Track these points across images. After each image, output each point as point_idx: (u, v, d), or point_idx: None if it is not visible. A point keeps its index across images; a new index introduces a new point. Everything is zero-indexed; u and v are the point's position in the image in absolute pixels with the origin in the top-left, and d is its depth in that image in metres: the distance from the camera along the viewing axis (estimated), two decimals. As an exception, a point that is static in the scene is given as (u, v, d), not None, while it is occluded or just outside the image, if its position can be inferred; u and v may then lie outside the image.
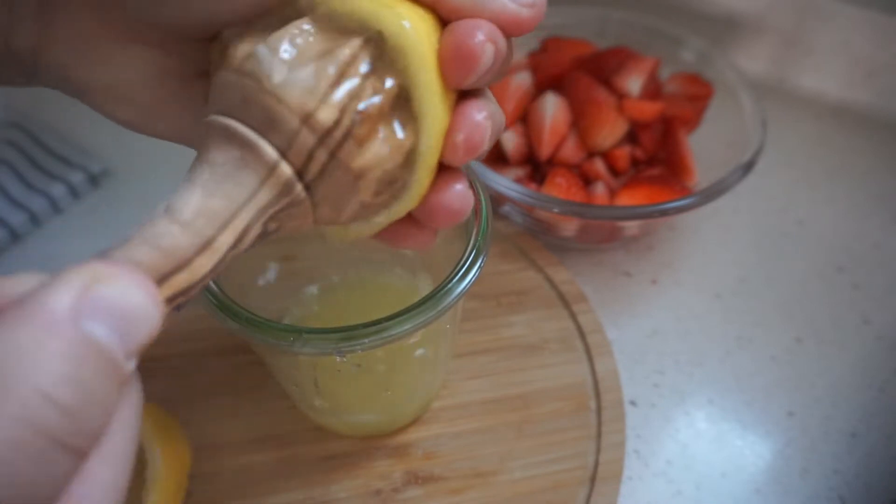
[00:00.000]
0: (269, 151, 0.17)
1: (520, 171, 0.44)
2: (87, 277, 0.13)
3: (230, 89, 0.18)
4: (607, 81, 0.44)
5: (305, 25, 0.18)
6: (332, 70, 0.18)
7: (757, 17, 0.62)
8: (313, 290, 0.38)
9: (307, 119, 0.17)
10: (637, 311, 0.43)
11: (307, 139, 0.18)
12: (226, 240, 0.17)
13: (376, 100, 0.18)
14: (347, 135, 0.18)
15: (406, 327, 0.24)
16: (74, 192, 0.48)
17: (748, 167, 0.40)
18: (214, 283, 0.26)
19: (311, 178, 0.18)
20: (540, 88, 0.45)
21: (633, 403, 0.38)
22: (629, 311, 0.42)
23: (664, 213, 0.38)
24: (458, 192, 0.21)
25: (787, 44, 0.61)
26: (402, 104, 0.19)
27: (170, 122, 0.22)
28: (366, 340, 0.24)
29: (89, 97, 0.21)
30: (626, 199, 0.42)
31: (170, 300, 0.16)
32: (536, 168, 0.45)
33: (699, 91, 0.46)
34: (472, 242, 0.27)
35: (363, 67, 0.18)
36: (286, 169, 0.18)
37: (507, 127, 0.44)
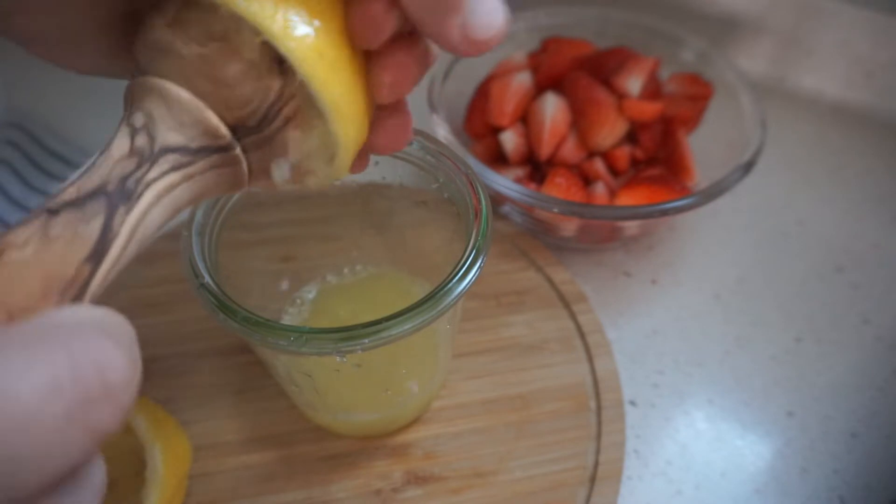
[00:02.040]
0: (224, 132, 0.18)
1: (520, 171, 0.44)
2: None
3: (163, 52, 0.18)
4: (607, 81, 0.44)
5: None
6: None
7: (757, 17, 0.62)
8: (312, 290, 0.38)
9: (257, 99, 0.17)
10: (637, 311, 0.43)
11: (257, 115, 0.18)
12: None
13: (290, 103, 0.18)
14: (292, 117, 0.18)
15: (406, 327, 0.24)
16: (74, 192, 0.48)
17: (748, 167, 0.40)
18: (214, 283, 0.26)
19: (243, 136, 0.18)
20: (540, 88, 0.45)
21: (632, 403, 0.38)
22: (629, 311, 0.42)
23: (664, 213, 0.38)
24: (395, 128, 0.21)
25: (787, 44, 0.61)
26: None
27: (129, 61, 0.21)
28: (366, 340, 0.24)
29: (40, 47, 0.20)
30: (626, 199, 0.42)
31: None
32: (536, 168, 0.45)
33: (699, 91, 0.46)
34: (472, 242, 0.27)
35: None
36: (234, 143, 0.18)
37: (507, 127, 0.44)
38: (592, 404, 0.37)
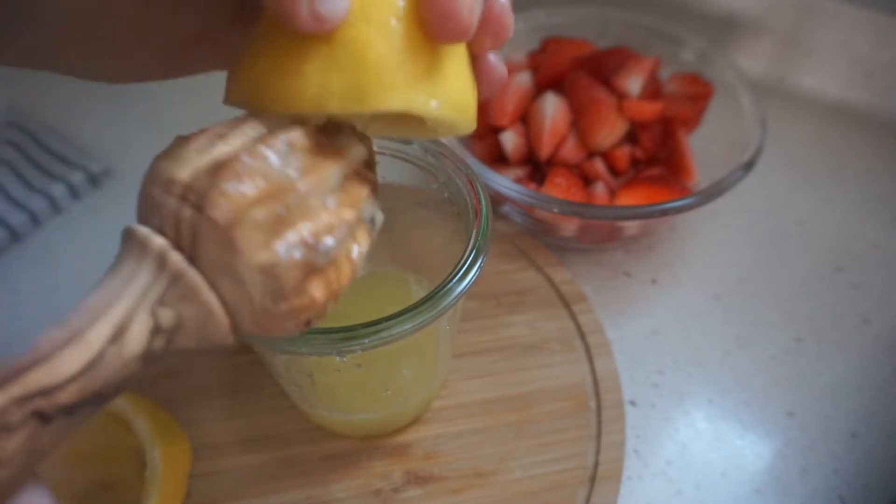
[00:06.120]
0: (141, 231, 0.17)
1: (520, 171, 0.44)
2: None
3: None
4: (607, 81, 0.44)
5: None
6: (196, 139, 0.18)
7: (757, 17, 0.62)
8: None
9: (168, 185, 0.17)
10: (637, 311, 0.43)
11: (170, 202, 0.17)
12: (99, 331, 0.16)
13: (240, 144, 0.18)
14: (210, 185, 0.17)
15: (406, 327, 0.24)
16: (74, 192, 0.48)
17: (748, 167, 0.40)
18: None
19: (188, 244, 0.17)
20: (540, 88, 0.45)
21: (632, 403, 0.38)
22: (629, 311, 0.42)
23: (664, 213, 0.38)
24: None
25: (787, 44, 0.61)
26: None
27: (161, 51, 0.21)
28: (366, 340, 0.24)
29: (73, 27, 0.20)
30: (626, 199, 0.42)
31: (23, 400, 0.14)
32: (536, 168, 0.45)
33: (699, 91, 0.46)
34: (472, 242, 0.27)
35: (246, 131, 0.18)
36: (157, 240, 0.17)
37: (507, 127, 0.44)
38: (592, 404, 0.37)
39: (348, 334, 0.24)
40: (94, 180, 0.49)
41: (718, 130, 0.46)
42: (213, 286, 0.17)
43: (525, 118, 0.45)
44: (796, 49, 0.60)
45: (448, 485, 0.34)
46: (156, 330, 0.17)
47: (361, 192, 0.20)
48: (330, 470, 0.34)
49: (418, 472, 0.34)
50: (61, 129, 0.51)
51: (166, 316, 0.17)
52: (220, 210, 0.17)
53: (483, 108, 0.45)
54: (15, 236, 0.45)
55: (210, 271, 0.17)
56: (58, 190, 0.47)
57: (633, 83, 0.44)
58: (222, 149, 0.17)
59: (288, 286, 0.18)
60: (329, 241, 0.18)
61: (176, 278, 0.17)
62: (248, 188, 0.17)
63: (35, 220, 0.46)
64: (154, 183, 0.17)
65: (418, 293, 0.37)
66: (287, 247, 0.17)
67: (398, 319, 0.24)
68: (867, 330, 0.42)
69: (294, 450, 0.35)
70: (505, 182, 0.39)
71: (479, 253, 0.26)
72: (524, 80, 0.45)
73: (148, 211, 0.17)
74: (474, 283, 0.25)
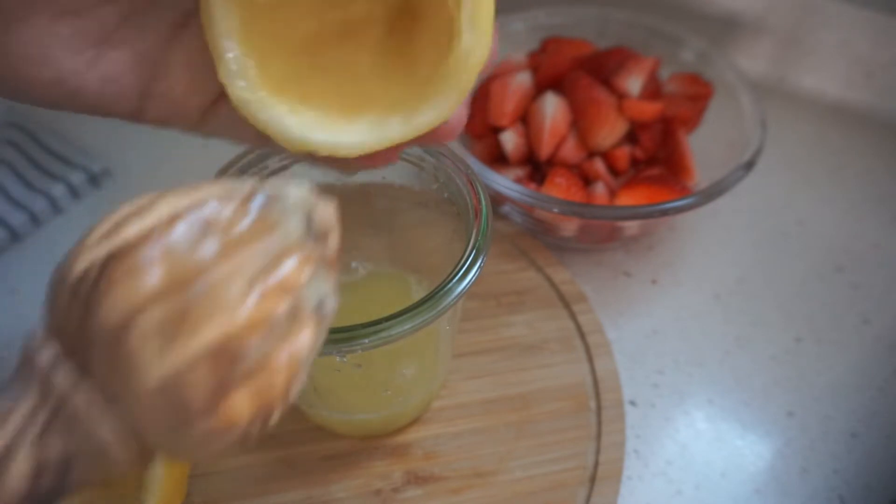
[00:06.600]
0: (35, 340, 0.15)
1: (520, 171, 0.44)
2: None
3: None
4: (607, 81, 0.44)
5: None
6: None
7: (757, 17, 0.62)
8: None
9: (63, 279, 0.15)
10: (637, 311, 0.43)
11: (62, 301, 0.15)
12: None
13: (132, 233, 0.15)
14: (99, 279, 0.14)
15: (406, 327, 0.24)
16: (74, 192, 0.48)
17: (748, 167, 0.40)
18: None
19: (80, 351, 0.14)
20: (540, 88, 0.45)
21: (632, 403, 0.38)
22: (629, 311, 0.42)
23: (664, 213, 0.38)
24: None
25: (787, 44, 0.61)
26: None
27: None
28: (366, 340, 0.24)
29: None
30: (626, 199, 0.42)
31: None
32: (536, 168, 0.45)
33: (699, 91, 0.46)
34: (472, 242, 0.27)
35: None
36: (45, 354, 0.14)
37: (507, 127, 0.44)
38: (592, 404, 0.37)
39: (348, 334, 0.24)
40: (94, 180, 0.49)
41: (718, 130, 0.46)
42: (108, 406, 0.14)
43: (525, 118, 0.45)
44: (796, 49, 0.60)
45: (448, 485, 0.34)
46: (41, 466, 0.14)
47: (300, 274, 0.16)
48: (330, 470, 0.34)
49: (418, 472, 0.34)
50: (61, 129, 0.51)
51: (54, 448, 0.14)
52: (108, 309, 0.14)
53: (483, 108, 0.45)
54: (15, 236, 0.45)
55: (104, 386, 0.14)
56: (58, 190, 0.47)
57: (633, 83, 0.44)
58: (129, 231, 0.15)
59: (196, 404, 0.14)
60: (249, 343, 0.15)
61: (61, 402, 0.14)
62: (145, 280, 0.14)
63: (35, 220, 0.46)
64: (55, 275, 0.15)
65: (418, 293, 0.37)
66: (190, 354, 0.14)
67: (398, 319, 0.24)
68: (867, 330, 0.42)
69: (294, 450, 0.35)
70: (505, 182, 0.39)
71: (479, 253, 0.26)
72: (524, 80, 0.45)
73: (48, 310, 0.15)
74: (474, 283, 0.26)
